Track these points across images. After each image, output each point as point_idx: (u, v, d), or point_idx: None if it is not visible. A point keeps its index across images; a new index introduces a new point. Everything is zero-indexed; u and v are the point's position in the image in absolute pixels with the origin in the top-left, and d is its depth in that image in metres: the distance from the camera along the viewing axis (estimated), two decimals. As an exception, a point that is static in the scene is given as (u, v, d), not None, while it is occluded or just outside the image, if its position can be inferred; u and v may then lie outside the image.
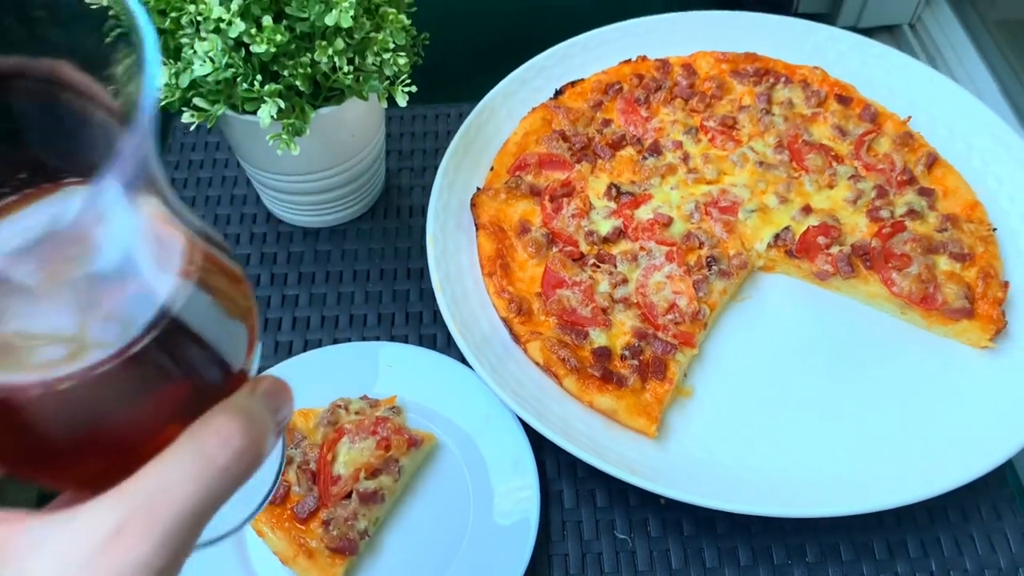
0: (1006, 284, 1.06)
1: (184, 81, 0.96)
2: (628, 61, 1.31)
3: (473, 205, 1.14)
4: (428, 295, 1.16)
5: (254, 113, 0.96)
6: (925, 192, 1.15)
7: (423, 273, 1.18)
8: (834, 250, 1.09)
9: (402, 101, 1.00)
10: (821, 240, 1.10)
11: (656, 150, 1.20)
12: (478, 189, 1.16)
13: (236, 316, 0.44)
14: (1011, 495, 0.98)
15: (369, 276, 1.18)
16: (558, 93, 1.27)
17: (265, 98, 0.94)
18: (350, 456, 0.96)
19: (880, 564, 0.94)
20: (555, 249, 1.11)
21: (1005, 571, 0.93)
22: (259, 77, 0.95)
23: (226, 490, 0.40)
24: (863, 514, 0.89)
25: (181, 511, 0.37)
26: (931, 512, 0.97)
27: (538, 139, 1.21)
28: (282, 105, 0.95)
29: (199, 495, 0.38)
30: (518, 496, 0.96)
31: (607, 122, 1.24)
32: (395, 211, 1.25)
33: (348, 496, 0.94)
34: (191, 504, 0.38)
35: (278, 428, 0.45)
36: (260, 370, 1.02)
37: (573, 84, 1.28)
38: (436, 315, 1.13)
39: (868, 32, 1.57)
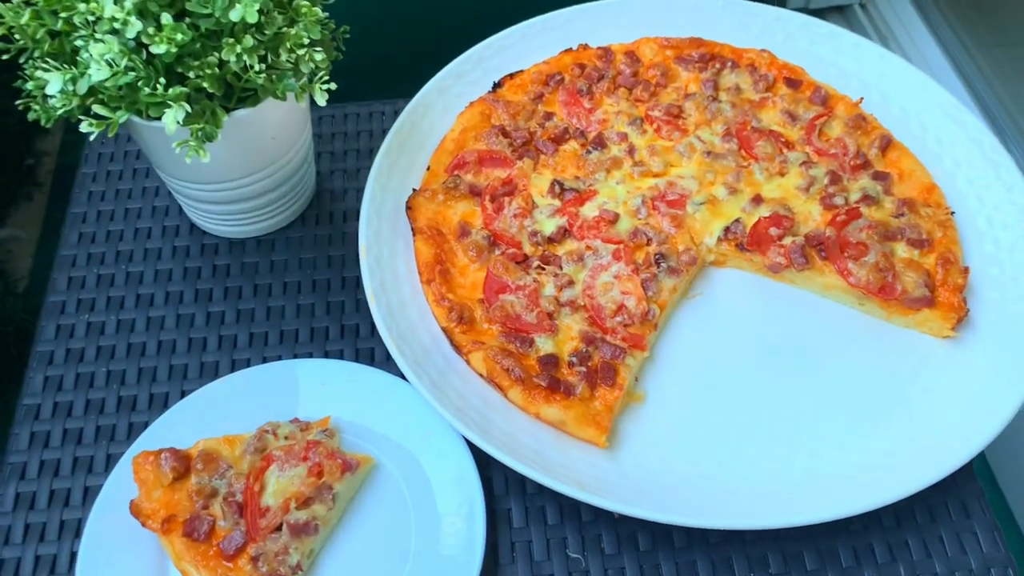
0: (966, 270, 1.02)
1: (82, 88, 0.89)
2: (569, 50, 1.25)
3: (409, 208, 1.07)
4: (364, 306, 1.09)
5: (160, 118, 0.89)
6: (880, 176, 1.10)
7: (358, 282, 1.11)
8: (787, 241, 1.04)
9: (321, 100, 0.93)
10: (773, 231, 1.05)
11: (600, 143, 1.15)
12: (414, 191, 1.09)
13: None
14: (980, 490, 0.94)
15: (300, 288, 1.11)
16: (496, 86, 1.20)
17: (170, 102, 0.87)
18: (279, 485, 0.89)
19: (847, 571, 0.89)
20: (497, 252, 1.05)
21: (976, 572, 0.89)
22: (163, 80, 0.87)
23: None
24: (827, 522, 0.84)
25: None
26: (898, 514, 0.92)
27: (476, 135, 1.15)
28: (189, 109, 0.87)
29: None
30: (463, 517, 0.90)
31: (549, 115, 1.18)
32: (327, 217, 1.18)
33: (278, 529, 0.87)
34: None
35: None
36: (183, 394, 0.96)
37: (512, 76, 1.21)
38: (373, 328, 1.06)
39: (819, 13, 1.53)
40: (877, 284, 1.00)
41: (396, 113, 1.18)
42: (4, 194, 2.42)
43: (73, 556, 0.90)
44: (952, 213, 1.07)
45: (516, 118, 1.17)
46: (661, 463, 0.92)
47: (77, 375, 1.03)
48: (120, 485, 0.91)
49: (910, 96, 1.18)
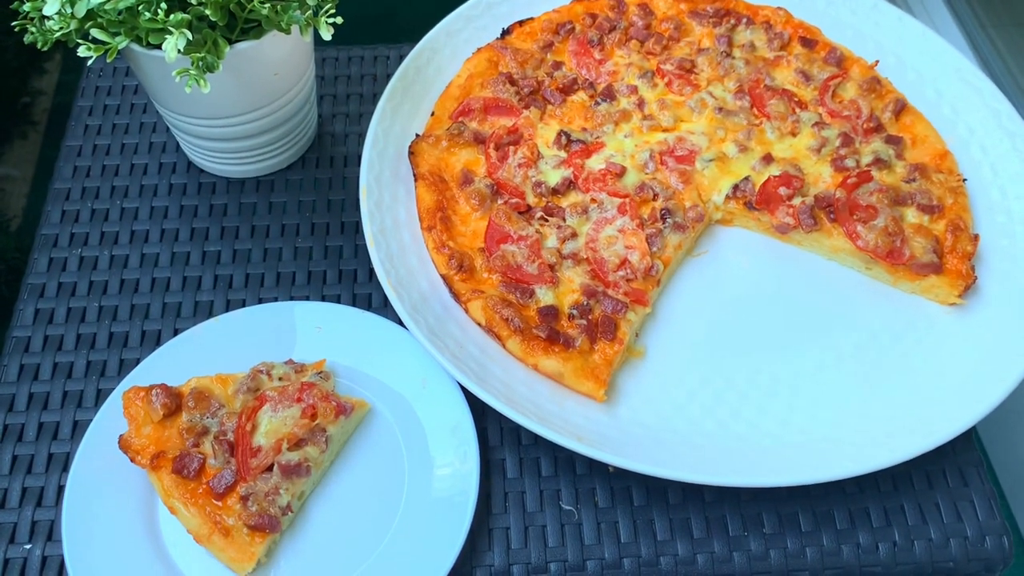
0: (976, 237, 1.00)
1: (80, 10, 0.86)
2: (581, -1, 1.22)
3: (412, 153, 1.05)
4: (363, 252, 1.07)
5: (160, 47, 0.86)
6: (893, 140, 1.08)
7: (358, 227, 1.09)
8: (796, 202, 1.03)
9: (326, 34, 0.90)
10: (782, 191, 1.03)
11: (609, 95, 1.12)
12: (417, 136, 1.07)
13: None
14: (979, 460, 0.93)
15: (299, 231, 1.09)
16: (505, 33, 1.18)
17: (171, 29, 0.84)
18: (272, 425, 0.88)
19: (841, 534, 0.88)
20: (500, 201, 1.03)
21: (972, 540, 0.88)
22: (164, 5, 0.85)
23: None
24: (823, 483, 0.84)
25: None
26: (895, 479, 0.91)
27: (483, 82, 1.12)
28: (191, 37, 0.85)
29: None
30: (457, 466, 0.89)
31: (558, 65, 1.16)
32: (328, 160, 1.16)
33: (269, 469, 0.86)
34: None
35: None
36: (175, 332, 0.94)
37: (522, 23, 1.18)
38: (371, 273, 1.05)
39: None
40: (885, 248, 0.98)
41: (401, 58, 1.16)
42: (-3, 132, 2.39)
43: (61, 489, 0.89)
44: (964, 180, 1.05)
45: (524, 66, 1.14)
46: (658, 419, 0.91)
47: (68, 309, 1.02)
48: (110, 420, 0.90)
49: (927, 61, 1.15)
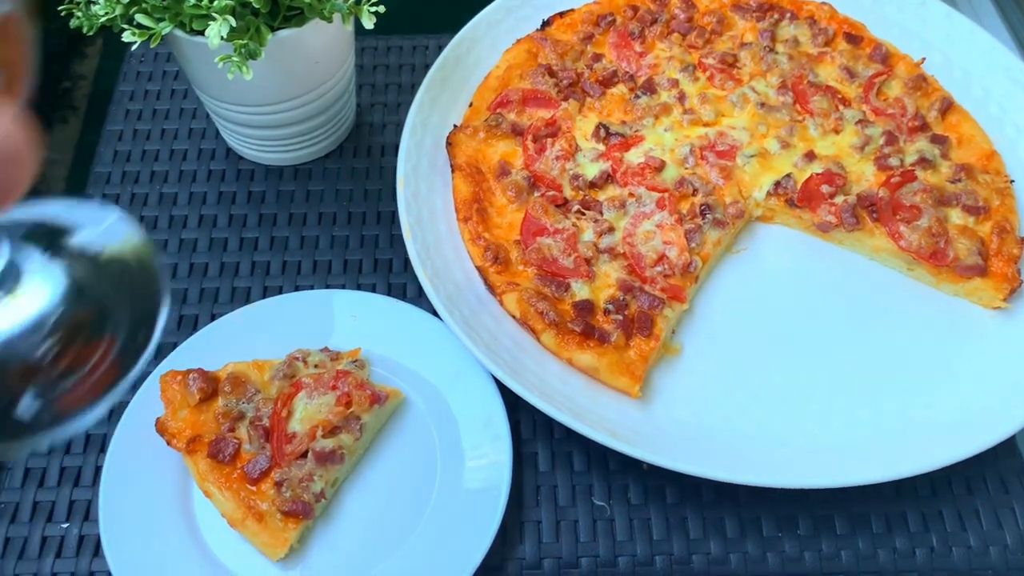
0: (1023, 240, 0.98)
1: (126, -5, 0.86)
2: (622, -9, 1.20)
3: (449, 144, 1.05)
4: (399, 241, 1.07)
5: (203, 33, 0.87)
6: (938, 139, 1.06)
7: (394, 217, 1.09)
8: (838, 200, 1.01)
9: (368, 23, 0.90)
10: (825, 189, 1.01)
11: (650, 88, 1.11)
12: (455, 127, 1.07)
13: None
14: (1021, 467, 0.91)
15: (335, 219, 1.09)
16: (545, 24, 1.17)
17: (215, 15, 0.85)
18: (307, 412, 0.88)
19: (877, 538, 0.87)
20: (537, 194, 1.02)
21: (1011, 548, 0.86)
22: (208, -8, 0.85)
23: None
24: (860, 485, 0.82)
25: None
26: (933, 483, 0.90)
27: (522, 74, 1.12)
28: (234, 24, 0.85)
29: None
30: (489, 458, 0.89)
31: (597, 57, 1.15)
32: (365, 150, 1.16)
33: (304, 455, 0.86)
34: None
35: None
36: (212, 317, 0.95)
37: (562, 15, 1.18)
38: (407, 263, 1.04)
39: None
40: (929, 249, 0.97)
41: (440, 48, 1.15)
42: (38, 116, 2.41)
43: (98, 470, 0.90)
44: (1011, 182, 1.03)
45: (564, 58, 1.14)
46: (694, 417, 0.90)
47: (108, 292, 1.02)
48: (147, 403, 0.90)
49: (975, 58, 1.13)
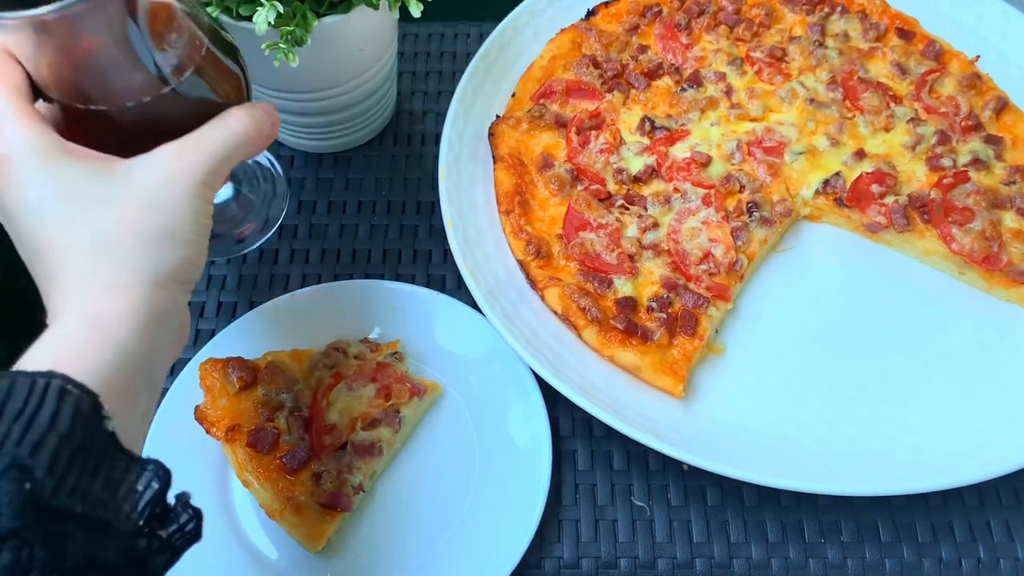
0: (1079, 246, 0.95)
1: (173, -21, 0.85)
2: (669, -18, 1.18)
3: (491, 135, 1.03)
4: (438, 232, 1.06)
5: (250, 19, 0.86)
6: (992, 140, 1.04)
7: (434, 207, 1.08)
8: (888, 200, 0.99)
9: (416, 11, 0.89)
10: (875, 188, 0.99)
11: (696, 81, 1.09)
12: (497, 117, 1.05)
13: (228, 89, 0.74)
14: (1071, 478, 0.89)
15: (375, 208, 1.08)
16: (590, 13, 1.15)
17: (262, 1, 0.83)
18: (347, 404, 0.88)
19: (922, 547, 0.85)
20: (580, 187, 1.01)
21: (1060, 562, 0.85)
22: (256, -23, 0.84)
23: (237, 148, 0.67)
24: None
25: (213, 149, 0.65)
26: (981, 493, 0.88)
27: (566, 64, 1.10)
28: (281, 10, 0.84)
29: (223, 144, 0.66)
30: (528, 455, 0.88)
31: (643, 48, 1.13)
32: (405, 138, 1.14)
33: (342, 447, 0.86)
34: (219, 146, 0.66)
35: (267, 128, 0.71)
36: (251, 305, 0.94)
37: (607, 4, 1.15)
38: (446, 254, 1.04)
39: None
40: (981, 253, 0.94)
41: (482, 36, 1.14)
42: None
43: (137, 456, 0.90)
44: (1068, 185, 1.00)
45: (608, 49, 1.12)
46: (737, 419, 0.89)
47: (147, 277, 1.02)
48: (186, 390, 0.90)
49: (1032, 57, 1.10)
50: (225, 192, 0.96)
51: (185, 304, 0.65)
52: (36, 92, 0.65)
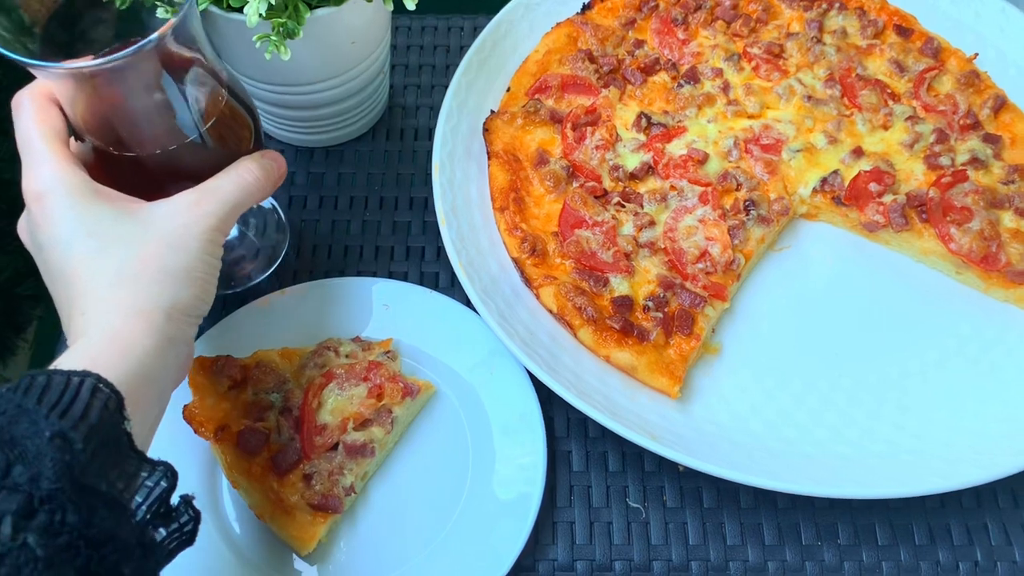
0: (1078, 246, 0.95)
1: (161, -31, 0.83)
2: (666, -24, 1.17)
3: (486, 130, 1.02)
4: (431, 229, 1.04)
5: (240, 10, 0.84)
6: (991, 139, 1.03)
7: (427, 204, 1.06)
8: (887, 199, 0.98)
9: (410, 3, 0.87)
10: (873, 187, 0.98)
11: (693, 77, 1.08)
12: (492, 112, 1.04)
13: (241, 133, 0.81)
14: (1069, 481, 0.88)
15: (367, 204, 1.07)
16: (586, 8, 1.13)
17: (253, -8, 0.81)
18: (338, 403, 0.86)
19: (920, 550, 0.85)
20: (575, 184, 1.00)
21: (1058, 565, 0.84)
22: (247, -33, 0.82)
23: (248, 195, 0.74)
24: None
25: (226, 197, 0.72)
26: (978, 495, 0.88)
27: (561, 59, 1.08)
28: (272, 1, 0.82)
29: (235, 193, 0.73)
30: (522, 455, 0.87)
31: (639, 43, 1.11)
32: (398, 133, 1.13)
33: (333, 448, 0.84)
34: (232, 194, 0.73)
35: (275, 176, 0.78)
36: (242, 302, 0.92)
37: (603, -2, 1.14)
38: (439, 251, 1.02)
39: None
40: (980, 253, 0.94)
41: (476, 29, 1.12)
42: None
43: (123, 456, 0.88)
44: (1067, 185, 1.00)
45: (604, 43, 1.10)
46: (734, 420, 0.88)
47: (134, 273, 1.00)
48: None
49: (1031, 55, 1.09)
50: (231, 233, 0.97)
51: (192, 336, 0.71)
52: (71, 130, 0.72)
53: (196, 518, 0.62)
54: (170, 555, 0.61)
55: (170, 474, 0.60)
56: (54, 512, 0.51)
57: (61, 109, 0.71)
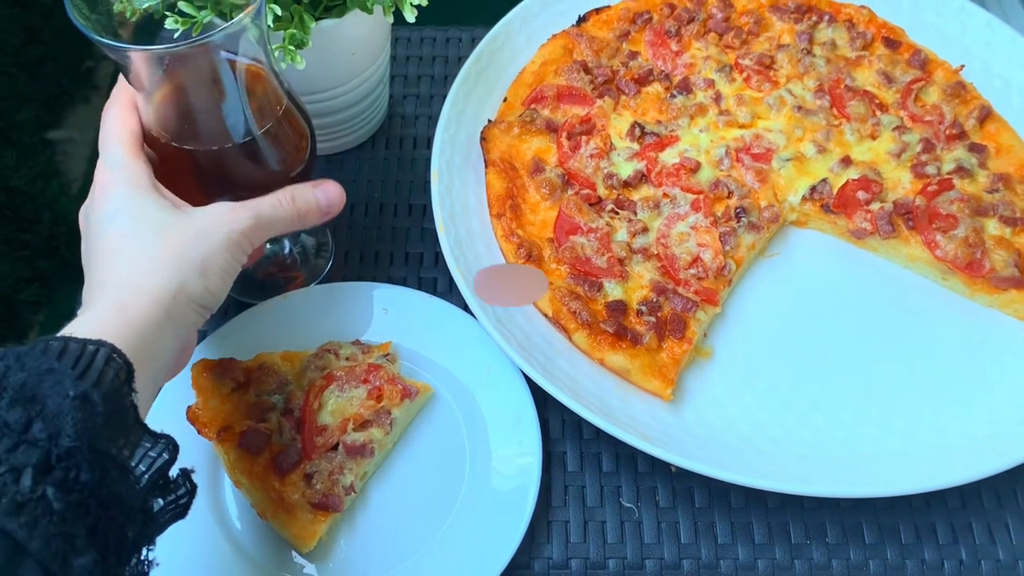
0: (1060, 253, 0.97)
1: (170, -18, 0.86)
2: (659, -11, 1.19)
3: (483, 139, 1.04)
4: (430, 235, 1.07)
5: (245, 22, 0.86)
6: (976, 148, 1.05)
7: (425, 211, 1.09)
8: (874, 207, 1.00)
9: (410, 16, 0.90)
10: (861, 195, 1.01)
11: (686, 88, 1.10)
12: (489, 121, 1.06)
13: (297, 143, 0.86)
14: (1051, 481, 0.91)
15: (367, 210, 1.09)
16: (581, 20, 1.16)
17: (258, 4, 0.84)
18: (338, 405, 0.88)
19: (906, 548, 0.87)
20: (571, 191, 1.02)
21: (1041, 563, 0.86)
22: (252, -20, 0.84)
23: (280, 222, 0.79)
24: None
25: (261, 214, 0.76)
26: (963, 495, 0.90)
27: (557, 70, 1.11)
28: (279, 12, 0.85)
29: (271, 213, 0.77)
30: (518, 456, 0.89)
31: (633, 55, 1.14)
32: (397, 142, 1.15)
33: (334, 448, 0.86)
34: (266, 215, 0.77)
35: (316, 207, 0.82)
36: (243, 307, 0.94)
37: (598, 11, 1.17)
38: (438, 257, 1.05)
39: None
40: (965, 259, 0.96)
41: (474, 40, 1.15)
42: (61, 95, 2.42)
43: (128, 456, 0.90)
44: (1050, 193, 1.02)
45: (599, 55, 1.13)
46: (724, 422, 0.90)
47: (139, 278, 1.02)
48: (178, 391, 0.90)
49: (1015, 67, 1.11)
50: (283, 244, 1.04)
51: (195, 325, 0.73)
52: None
53: (192, 491, 0.65)
54: (162, 526, 0.64)
55: (172, 447, 0.63)
56: (69, 469, 0.53)
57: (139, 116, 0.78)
